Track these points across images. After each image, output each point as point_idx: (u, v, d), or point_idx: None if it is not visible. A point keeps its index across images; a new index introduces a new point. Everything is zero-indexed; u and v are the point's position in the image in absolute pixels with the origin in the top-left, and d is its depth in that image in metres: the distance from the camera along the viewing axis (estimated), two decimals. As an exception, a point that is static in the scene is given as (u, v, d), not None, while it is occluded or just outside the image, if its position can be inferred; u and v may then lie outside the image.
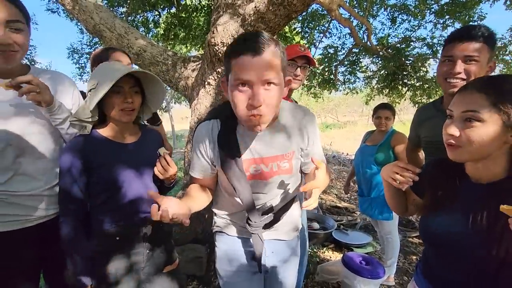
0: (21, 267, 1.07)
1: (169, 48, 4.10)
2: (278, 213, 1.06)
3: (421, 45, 5.40)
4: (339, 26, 5.61)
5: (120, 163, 1.05)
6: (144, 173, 1.10)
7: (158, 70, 2.59)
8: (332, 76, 6.32)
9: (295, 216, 1.15)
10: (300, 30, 5.87)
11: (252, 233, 1.04)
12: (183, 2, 4.71)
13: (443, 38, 5.18)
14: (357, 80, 6.79)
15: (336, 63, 6.16)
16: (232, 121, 0.95)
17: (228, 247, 1.12)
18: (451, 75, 1.12)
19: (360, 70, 6.47)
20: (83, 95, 1.26)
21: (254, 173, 0.97)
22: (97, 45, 5.78)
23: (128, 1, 4.51)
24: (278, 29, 1.90)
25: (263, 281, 1.16)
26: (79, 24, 5.15)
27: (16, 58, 1.00)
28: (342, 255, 2.31)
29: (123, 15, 4.70)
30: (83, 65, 6.07)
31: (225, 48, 1.92)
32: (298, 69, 1.64)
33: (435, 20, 5.18)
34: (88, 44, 5.86)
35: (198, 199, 1.01)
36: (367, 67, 6.56)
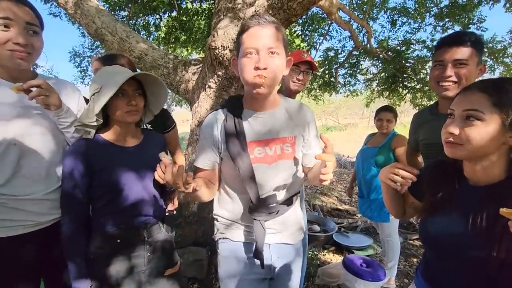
0: (22, 272, 1.07)
1: (170, 52, 4.13)
2: (281, 205, 1.06)
3: (421, 48, 5.42)
4: (339, 29, 5.64)
5: (122, 166, 1.06)
6: (145, 176, 1.10)
7: (159, 73, 2.61)
8: (332, 79, 6.33)
9: (299, 216, 1.16)
10: (300, 33, 5.90)
11: (255, 219, 1.02)
12: (184, 6, 4.75)
13: (443, 41, 5.19)
14: (357, 82, 6.81)
15: (336, 66, 6.18)
16: (239, 107, 1.03)
17: (233, 254, 1.10)
18: (442, 78, 1.17)
19: (360, 73, 6.49)
20: (86, 101, 1.27)
21: (258, 156, 1.00)
22: (99, 48, 5.82)
23: (130, 5, 4.55)
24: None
25: (267, 286, 1.14)
26: (81, 28, 5.19)
27: (31, 60, 1.04)
28: (342, 257, 2.30)
29: (124, 19, 4.73)
30: (84, 68, 6.11)
31: (225, 51, 1.94)
32: (301, 74, 1.73)
33: (434, 23, 5.19)
34: (89, 47, 5.90)
35: (205, 186, 1.03)
36: (368, 69, 6.58)
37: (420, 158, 1.58)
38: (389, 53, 5.43)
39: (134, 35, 2.73)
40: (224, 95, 2.12)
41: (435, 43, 5.13)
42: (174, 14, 4.94)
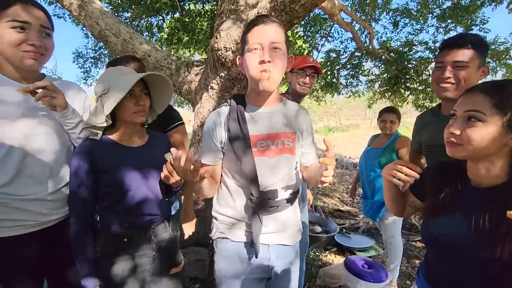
0: (24, 272, 1.08)
1: (172, 53, 4.15)
2: (281, 200, 1.06)
3: (423, 49, 5.40)
4: (341, 30, 5.64)
5: (128, 166, 1.08)
6: (151, 176, 1.12)
7: (162, 74, 2.63)
8: (334, 80, 6.33)
9: (298, 217, 1.18)
10: (302, 34, 5.91)
11: (254, 213, 1.03)
12: (186, 7, 4.78)
13: (445, 42, 5.18)
14: (359, 83, 6.79)
15: (338, 67, 6.18)
16: (242, 103, 1.07)
17: (233, 254, 1.09)
18: (441, 80, 1.19)
19: (362, 74, 6.47)
20: None
21: (261, 149, 1.03)
22: (102, 49, 5.86)
23: (133, 6, 4.58)
24: (281, 34, 1.93)
25: (264, 285, 1.14)
26: (84, 29, 5.24)
27: (43, 60, 1.07)
28: (344, 259, 2.31)
29: (128, 20, 4.77)
30: (88, 69, 6.14)
31: (228, 53, 1.95)
32: (307, 77, 1.84)
33: (437, 24, 5.18)
34: (93, 48, 5.94)
35: (208, 179, 1.04)
36: (370, 70, 6.56)
37: (423, 160, 1.59)
38: (391, 54, 5.42)
39: (137, 37, 2.75)
40: (227, 96, 2.13)
41: (437, 44, 5.16)
42: (176, 15, 4.97)
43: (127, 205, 1.07)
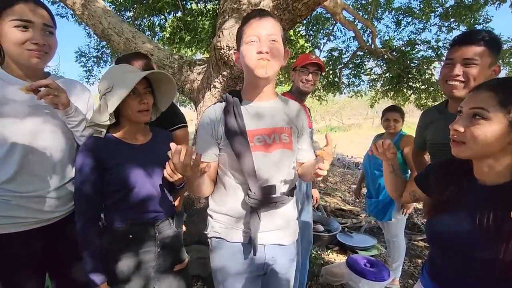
0: (25, 269, 1.08)
1: (174, 52, 4.16)
2: (279, 196, 1.05)
3: (426, 48, 5.39)
4: (344, 29, 5.63)
5: (133, 163, 1.08)
6: (155, 173, 1.12)
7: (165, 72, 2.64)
8: (336, 79, 6.32)
9: (294, 216, 1.18)
10: (304, 33, 5.90)
11: (251, 206, 1.02)
12: (188, 7, 4.78)
13: (448, 41, 5.16)
14: (361, 83, 6.79)
15: (340, 66, 6.17)
16: (238, 98, 1.06)
17: (227, 254, 1.08)
18: (450, 77, 1.15)
19: (364, 73, 6.46)
20: None
21: (258, 144, 1.02)
22: (104, 48, 5.88)
23: (135, 6, 4.59)
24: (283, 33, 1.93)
25: (260, 283, 1.14)
26: (86, 28, 5.25)
27: (47, 59, 1.07)
28: (346, 257, 2.31)
29: (130, 20, 4.78)
30: (90, 68, 6.16)
31: (230, 51, 1.96)
32: (310, 75, 1.81)
33: (440, 23, 5.16)
34: (95, 47, 5.96)
35: (207, 177, 1.04)
36: (372, 70, 6.55)
37: (427, 157, 1.58)
38: (394, 53, 5.41)
39: (140, 36, 2.76)
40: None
41: (440, 43, 5.14)
42: (179, 14, 4.98)
43: (132, 202, 1.07)
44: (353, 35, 5.27)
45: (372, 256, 2.75)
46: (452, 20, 4.89)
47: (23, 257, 1.07)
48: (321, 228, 3.12)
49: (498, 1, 4.30)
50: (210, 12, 4.80)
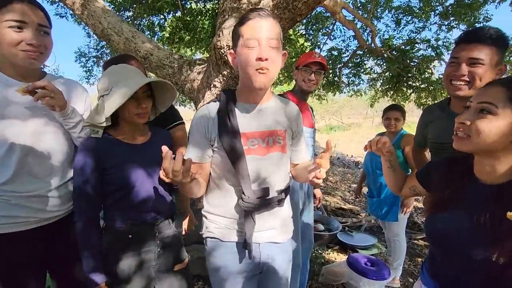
0: (27, 268, 1.09)
1: (174, 51, 4.16)
2: (272, 198, 1.05)
3: (425, 47, 5.38)
4: (343, 28, 5.62)
5: (132, 163, 1.08)
6: (155, 172, 1.12)
7: (164, 73, 2.63)
8: (336, 78, 6.32)
9: (288, 214, 1.18)
10: (304, 32, 5.90)
11: (245, 210, 1.01)
12: (188, 6, 4.78)
13: (448, 40, 5.17)
14: (361, 82, 6.78)
15: (340, 65, 6.16)
16: (232, 100, 1.04)
17: (222, 253, 1.08)
18: (455, 77, 1.11)
19: (364, 72, 6.45)
20: None
21: (252, 147, 1.01)
22: (104, 48, 5.87)
23: (134, 5, 4.59)
24: (283, 32, 1.92)
25: (256, 282, 1.14)
26: (86, 28, 5.25)
27: (43, 59, 1.07)
28: (347, 256, 2.31)
29: (129, 19, 4.77)
30: (90, 68, 6.16)
31: (231, 51, 1.95)
32: (312, 74, 1.77)
33: (440, 22, 5.16)
34: (95, 47, 5.96)
35: (198, 180, 1.01)
36: (372, 69, 6.54)
37: (427, 154, 1.57)
38: (394, 52, 5.40)
39: (139, 35, 2.76)
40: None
41: (440, 42, 5.13)
42: (178, 14, 4.97)
43: (132, 202, 1.07)
44: (353, 34, 5.27)
45: (372, 255, 2.75)
46: (452, 18, 4.88)
47: (23, 257, 1.07)
48: (321, 227, 3.12)
49: (498, 0, 4.29)
50: (210, 12, 4.80)
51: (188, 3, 4.80)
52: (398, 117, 2.32)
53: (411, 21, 5.41)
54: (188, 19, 4.83)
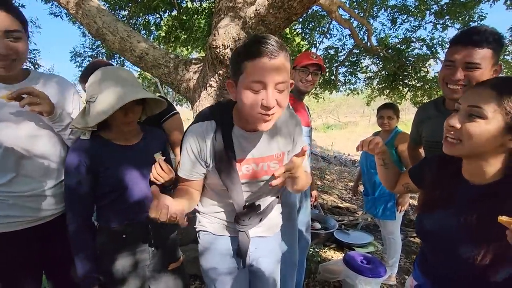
0: (23, 268, 1.09)
1: (170, 51, 4.14)
2: (265, 211, 1.10)
3: (421, 46, 5.42)
4: (339, 27, 5.63)
5: (125, 164, 1.08)
6: (148, 172, 1.12)
7: (160, 72, 2.62)
8: (333, 77, 6.33)
9: (277, 211, 1.21)
10: (300, 31, 5.90)
11: (240, 231, 1.06)
12: (184, 5, 4.75)
13: (443, 38, 5.20)
14: (357, 80, 6.81)
15: (336, 64, 6.18)
16: (229, 123, 0.98)
17: (213, 246, 1.12)
18: (451, 81, 1.09)
19: (360, 71, 6.48)
20: None
21: (246, 172, 1.00)
22: (99, 48, 5.83)
23: (130, 4, 4.56)
24: (279, 31, 1.92)
25: (247, 276, 1.18)
26: (81, 27, 5.21)
27: (16, 66, 1.03)
28: (343, 254, 2.32)
29: (125, 18, 4.74)
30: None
31: (226, 50, 1.95)
32: (310, 75, 1.82)
33: (435, 21, 5.19)
34: (90, 47, 5.92)
35: (188, 202, 0.99)
36: (368, 67, 6.57)
37: (422, 151, 1.58)
38: (390, 51, 5.42)
39: (135, 35, 2.74)
40: (225, 93, 2.13)
41: (435, 41, 5.15)
42: (174, 13, 4.95)
43: (126, 202, 1.07)
44: (349, 33, 5.28)
45: (368, 253, 2.77)
46: (447, 17, 4.91)
47: (19, 256, 1.08)
48: (318, 226, 3.13)
49: (492, -2, 4.33)
50: (206, 11, 4.78)
51: (184, 2, 4.77)
52: (391, 116, 2.33)
53: (406, 20, 5.43)
54: (184, 18, 4.80)
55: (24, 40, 1.02)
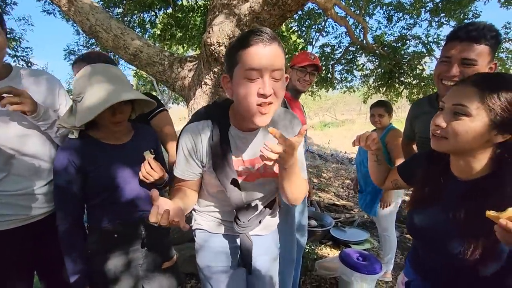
0: (16, 266, 1.09)
1: (166, 49, 4.11)
2: (262, 213, 1.09)
3: (416, 43, 5.44)
4: (335, 25, 5.64)
5: (116, 163, 1.07)
6: (139, 171, 1.10)
7: (154, 70, 2.60)
8: (329, 75, 6.33)
9: (274, 210, 1.19)
10: (296, 29, 5.89)
11: (240, 233, 1.06)
12: (179, 3, 4.72)
13: (438, 36, 5.22)
14: (354, 78, 6.82)
15: (333, 62, 6.18)
16: (225, 123, 0.96)
17: (209, 244, 1.12)
18: (446, 77, 1.08)
19: (357, 69, 6.49)
20: None
21: (242, 174, 0.99)
22: (93, 46, 5.77)
23: (124, 2, 4.51)
24: (273, 28, 1.91)
25: (244, 274, 1.17)
26: (75, 25, 5.14)
27: None
28: (339, 252, 2.33)
29: (119, 16, 4.69)
30: (79, 66, 6.04)
31: (221, 48, 1.93)
32: (307, 75, 1.85)
33: (430, 18, 5.21)
34: (84, 45, 5.85)
35: (187, 203, 0.98)
36: (364, 65, 6.58)
37: (415, 147, 1.59)
38: (385, 48, 5.44)
39: (129, 32, 2.71)
40: (220, 91, 2.12)
41: (430, 38, 5.17)
42: (169, 11, 4.91)
43: (117, 202, 1.06)
44: (345, 30, 5.28)
45: (364, 250, 2.79)
46: (442, 15, 4.93)
47: (12, 255, 1.07)
48: (314, 223, 3.14)
49: (486, -4, 4.35)
50: (202, 8, 4.75)
51: (179, -1, 4.74)
52: (381, 113, 2.34)
53: (402, 18, 5.45)
54: (180, 15, 4.77)
55: (1, 35, 0.99)
